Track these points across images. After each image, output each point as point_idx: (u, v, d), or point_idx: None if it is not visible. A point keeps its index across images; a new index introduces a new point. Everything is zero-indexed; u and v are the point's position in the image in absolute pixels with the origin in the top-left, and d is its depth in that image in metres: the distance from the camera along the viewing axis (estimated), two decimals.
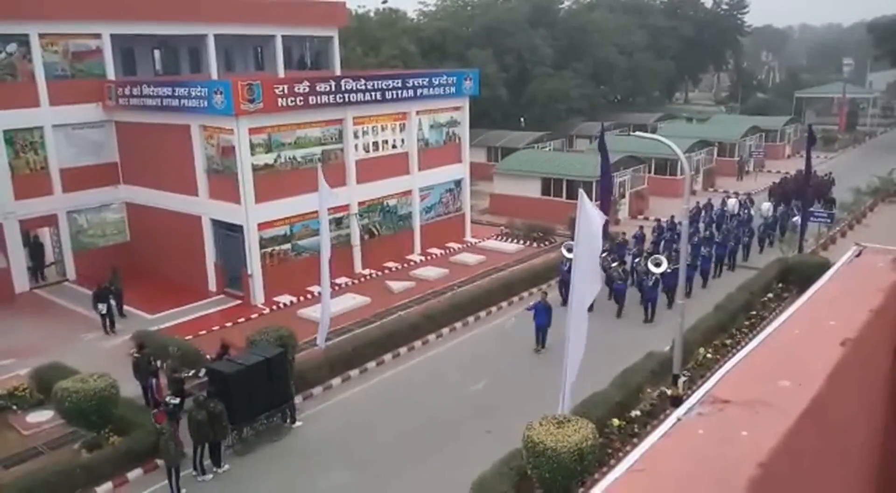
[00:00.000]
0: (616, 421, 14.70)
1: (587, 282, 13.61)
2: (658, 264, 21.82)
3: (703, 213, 31.09)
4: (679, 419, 1.58)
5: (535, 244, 29.69)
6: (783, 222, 30.23)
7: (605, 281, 21.34)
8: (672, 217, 28.26)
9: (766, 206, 30.73)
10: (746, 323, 20.20)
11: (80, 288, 24.75)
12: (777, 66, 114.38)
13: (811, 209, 27.48)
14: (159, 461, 14.11)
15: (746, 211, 30.95)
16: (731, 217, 30.32)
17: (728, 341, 19.01)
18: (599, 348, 17.13)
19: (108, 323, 20.87)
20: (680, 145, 16.16)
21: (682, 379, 14.98)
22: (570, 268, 21.62)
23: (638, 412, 15.28)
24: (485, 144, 44.30)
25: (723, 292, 21.73)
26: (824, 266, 23.36)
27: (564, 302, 21.36)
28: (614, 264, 22.66)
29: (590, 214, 13.31)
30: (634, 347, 17.93)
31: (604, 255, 22.10)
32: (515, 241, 30.17)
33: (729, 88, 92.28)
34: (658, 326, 20.85)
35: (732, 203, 31.68)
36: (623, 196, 34.05)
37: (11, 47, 24.13)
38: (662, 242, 26.80)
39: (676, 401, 14.72)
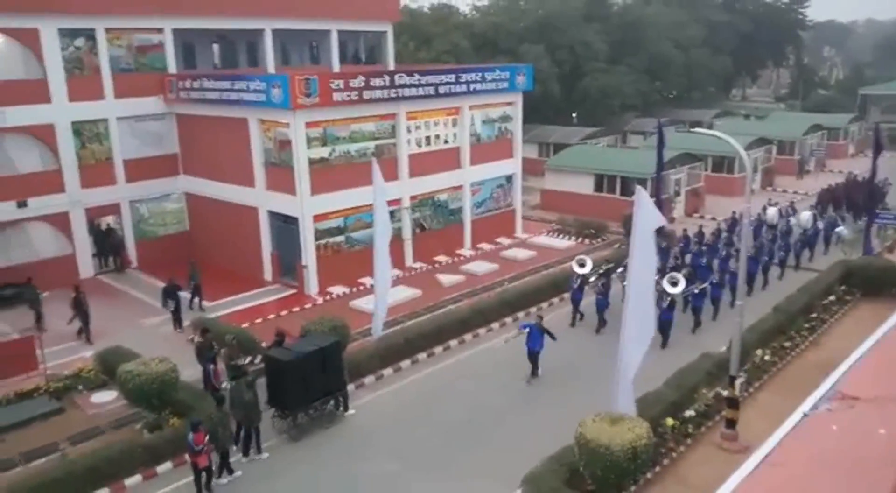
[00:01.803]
0: (670, 421, 14.50)
1: (646, 278, 13.41)
2: (675, 284, 19.43)
3: (737, 224, 27.55)
4: (805, 415, 1.57)
5: (586, 241, 29.43)
6: (827, 234, 27.72)
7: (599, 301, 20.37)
8: (700, 228, 26.96)
9: (806, 216, 27.29)
10: (806, 326, 19.64)
11: (142, 275, 25.52)
12: (840, 61, 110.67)
13: (877, 211, 26.18)
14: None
15: (786, 222, 27.65)
16: (769, 228, 27.33)
17: (787, 344, 18.54)
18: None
19: (176, 320, 20.88)
20: (738, 143, 15.76)
21: (738, 380, 14.67)
22: (580, 285, 21.07)
23: (692, 413, 15.03)
24: (537, 139, 44.04)
25: (782, 294, 21.19)
26: (890, 269, 22.64)
27: (573, 324, 20.92)
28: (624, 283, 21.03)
29: (648, 212, 13.11)
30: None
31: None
32: (567, 237, 29.95)
33: (789, 85, 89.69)
34: (675, 348, 18.82)
35: (772, 213, 28.48)
36: (678, 194, 33.47)
37: (79, 41, 24.97)
38: (689, 256, 24.40)
39: (733, 403, 14.44)
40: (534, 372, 17.65)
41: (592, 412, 12.83)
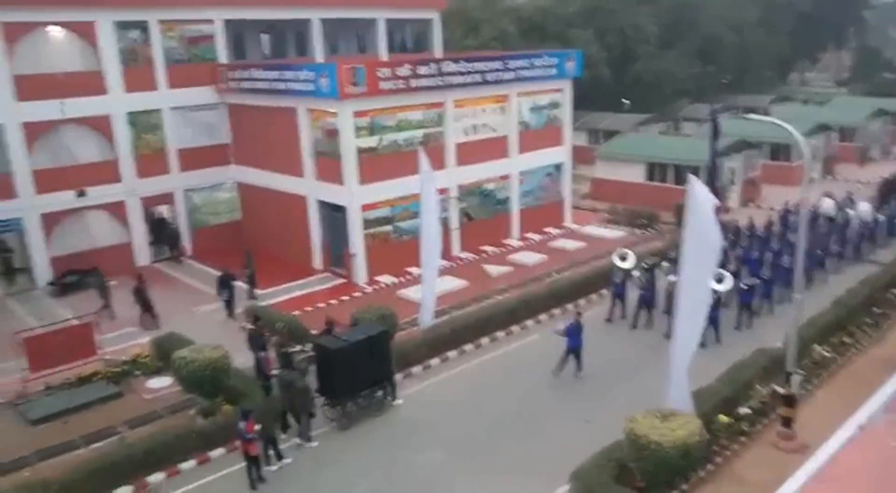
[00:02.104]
0: (724, 418, 14.16)
1: (700, 271, 13.06)
2: (720, 280, 18.33)
3: (790, 216, 26.17)
4: (861, 428, 1.43)
5: (638, 231, 28.93)
6: (891, 225, 26.60)
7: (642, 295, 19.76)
8: (750, 219, 26.02)
9: (865, 207, 25.95)
10: (868, 321, 18.94)
11: (195, 263, 26.07)
12: None
13: None
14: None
15: (844, 213, 26.12)
16: (826, 220, 26.04)
17: (847, 339, 17.91)
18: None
19: (229, 308, 21.16)
20: (796, 130, 15.18)
21: (795, 377, 14.23)
22: (622, 280, 20.41)
23: (747, 410, 14.66)
24: (586, 126, 43.40)
25: (842, 287, 20.46)
26: None
27: (609, 318, 20.35)
28: (670, 278, 19.55)
29: (701, 201, 12.73)
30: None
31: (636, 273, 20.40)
32: (617, 227, 29.47)
33: (851, 68, 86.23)
34: (728, 344, 18.24)
35: (828, 204, 27.03)
36: (733, 183, 32.57)
37: (134, 34, 25.50)
38: (740, 250, 23.22)
39: (790, 400, 14.02)
40: (578, 367, 17.30)
41: (641, 407, 12.62)
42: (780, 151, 36.71)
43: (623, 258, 20.71)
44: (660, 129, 43.77)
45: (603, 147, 36.86)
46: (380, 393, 16.22)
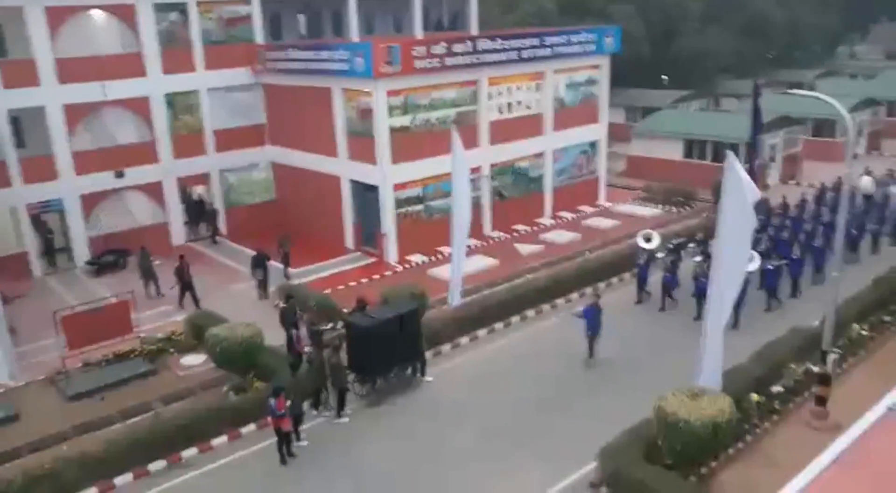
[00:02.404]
0: (755, 396, 13.91)
1: (734, 251, 12.81)
2: (749, 260, 17.48)
3: (825, 194, 25.93)
4: (891, 409, 1.34)
5: (674, 209, 28.42)
6: None
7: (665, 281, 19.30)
8: (784, 198, 25.11)
9: None
10: None
11: (230, 243, 26.46)
12: None
13: None
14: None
15: (883, 191, 25.20)
16: (865, 199, 25.18)
17: (888, 318, 17.40)
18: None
19: (263, 289, 21.30)
20: (842, 105, 14.66)
21: (831, 356, 13.87)
22: (647, 261, 19.92)
23: (780, 389, 14.38)
24: (624, 103, 42.62)
25: (886, 265, 19.84)
26: None
27: (639, 300, 19.99)
28: (697, 259, 19.37)
29: (739, 181, 12.41)
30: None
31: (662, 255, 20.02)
32: (653, 206, 29.01)
33: None
34: (746, 333, 17.44)
35: (866, 181, 26.04)
36: (773, 160, 31.73)
37: (173, 16, 25.79)
38: (771, 229, 22.61)
39: (824, 379, 13.69)
40: (590, 353, 16.87)
41: (670, 387, 12.46)
42: (825, 126, 35.61)
43: (648, 239, 20.32)
44: (699, 105, 42.81)
45: (640, 124, 36.25)
46: (409, 370, 16.33)
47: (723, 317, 13.18)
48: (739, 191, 12.41)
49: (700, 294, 17.81)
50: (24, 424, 15.07)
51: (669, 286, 19.48)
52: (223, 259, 25.02)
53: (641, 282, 20.06)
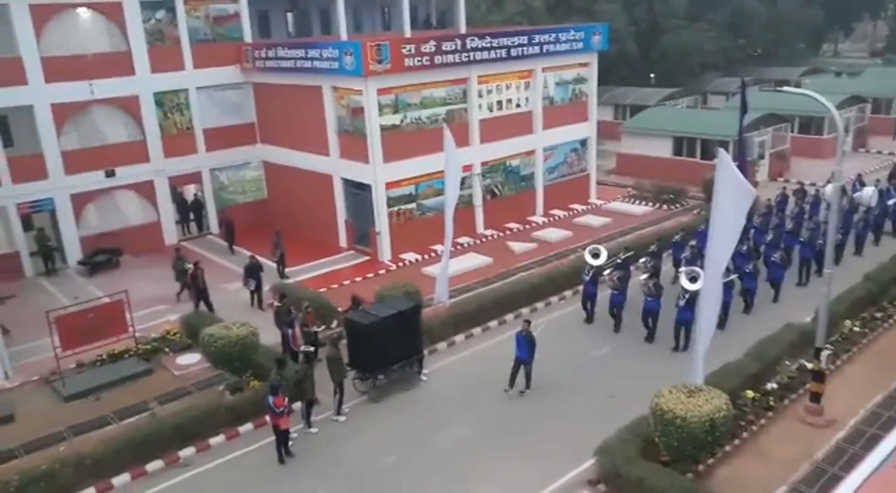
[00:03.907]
0: (750, 393, 14.07)
1: (724, 249, 12.98)
2: (694, 279, 16.50)
3: (785, 202, 24.65)
4: None
5: (664, 207, 28.62)
6: None
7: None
8: (769, 201, 24.37)
9: (869, 192, 23.36)
10: None
11: (222, 242, 26.32)
12: None
13: None
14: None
15: (848, 200, 23.28)
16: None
17: (879, 315, 17.64)
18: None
19: (256, 299, 20.56)
20: (828, 102, 14.83)
21: (825, 353, 14.05)
22: (592, 277, 18.52)
23: (774, 385, 14.55)
24: (612, 101, 42.83)
25: (875, 261, 20.11)
26: None
27: (589, 319, 18.86)
28: (643, 277, 18.33)
29: (732, 179, 12.51)
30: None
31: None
32: (643, 203, 29.19)
33: (887, 38, 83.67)
34: (758, 319, 17.73)
35: (869, 192, 23.50)
36: (762, 157, 32.01)
37: (160, 13, 25.61)
38: (752, 232, 21.79)
39: (818, 376, 13.86)
40: (512, 383, 15.61)
41: (664, 384, 12.57)
42: (812, 124, 35.96)
43: (595, 255, 18.97)
44: (687, 103, 43.08)
45: (629, 122, 36.39)
46: (409, 367, 16.37)
47: (712, 318, 13.44)
48: (732, 189, 12.52)
49: (650, 317, 17.33)
50: (19, 425, 14.99)
51: (615, 304, 18.30)
52: (216, 258, 24.85)
53: (586, 299, 18.83)
